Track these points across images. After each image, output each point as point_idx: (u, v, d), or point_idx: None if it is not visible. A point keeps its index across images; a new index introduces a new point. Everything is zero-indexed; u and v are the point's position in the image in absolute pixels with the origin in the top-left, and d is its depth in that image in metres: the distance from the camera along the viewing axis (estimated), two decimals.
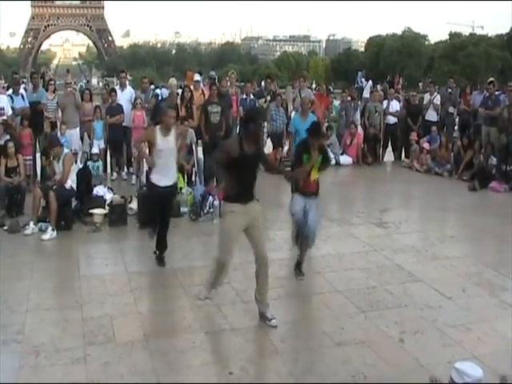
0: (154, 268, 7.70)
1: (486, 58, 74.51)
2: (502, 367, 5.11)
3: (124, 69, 18.78)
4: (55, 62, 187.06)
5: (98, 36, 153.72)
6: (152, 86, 16.25)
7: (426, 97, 15.59)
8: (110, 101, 12.86)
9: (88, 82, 60.81)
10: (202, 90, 13.51)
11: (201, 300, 6.38)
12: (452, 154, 13.97)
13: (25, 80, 22.63)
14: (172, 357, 5.36)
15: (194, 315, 6.21)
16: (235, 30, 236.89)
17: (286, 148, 13.91)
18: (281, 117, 14.06)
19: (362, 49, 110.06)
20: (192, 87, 13.29)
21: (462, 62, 74.23)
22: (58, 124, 12.58)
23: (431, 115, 15.15)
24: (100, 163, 12.42)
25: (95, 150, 12.36)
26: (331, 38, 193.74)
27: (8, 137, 10.60)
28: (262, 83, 17.04)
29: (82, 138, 12.75)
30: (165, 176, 7.56)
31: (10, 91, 12.95)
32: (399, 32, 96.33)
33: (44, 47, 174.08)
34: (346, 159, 14.98)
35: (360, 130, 15.48)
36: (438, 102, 15.13)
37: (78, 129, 12.60)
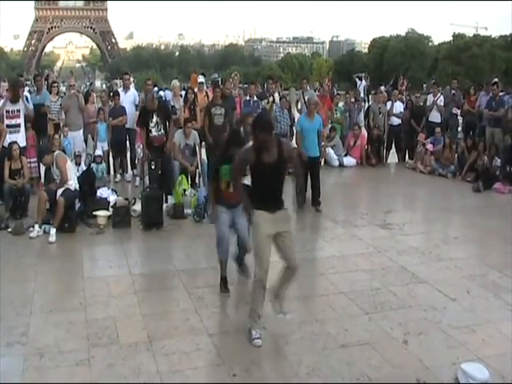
0: (158, 270, 7.70)
1: (490, 59, 74.34)
2: (506, 369, 5.09)
3: (127, 71, 18.83)
4: (59, 64, 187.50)
5: (102, 38, 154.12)
6: (155, 88, 16.27)
7: (430, 98, 15.57)
8: (113, 103, 12.87)
9: (91, 84, 60.88)
10: (206, 92, 13.53)
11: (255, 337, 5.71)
12: (456, 156, 13.94)
13: (28, 82, 22.65)
14: (176, 358, 5.35)
15: (197, 317, 6.21)
16: (238, 32, 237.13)
17: None
18: (285, 119, 14.04)
19: (366, 50, 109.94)
20: (196, 89, 13.31)
21: (465, 63, 74.07)
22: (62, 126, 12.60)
23: (435, 116, 15.13)
24: (104, 165, 12.45)
25: (99, 152, 12.39)
26: (334, 39, 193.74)
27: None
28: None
29: (85, 140, 12.77)
30: None
31: None
32: (403, 33, 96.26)
33: (47, 49, 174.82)
34: (349, 160, 14.97)
35: (364, 131, 15.48)
36: (442, 104, 15.12)
37: (81, 131, 12.62)
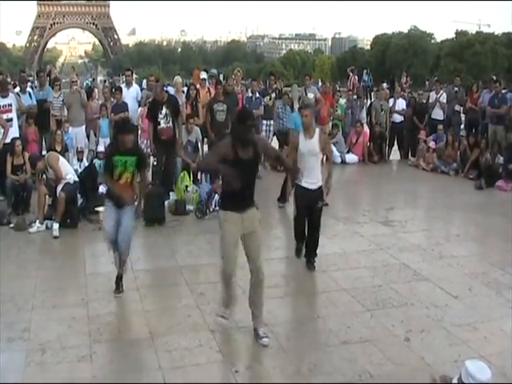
0: (160, 266, 7.72)
1: (493, 57, 74.16)
2: (508, 367, 5.10)
3: (129, 67, 18.81)
4: (61, 60, 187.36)
5: (104, 34, 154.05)
6: None
7: (432, 95, 15.54)
8: (116, 99, 12.86)
9: (94, 80, 60.75)
10: (209, 89, 13.51)
11: (219, 317, 5.83)
12: (458, 153, 13.92)
13: (31, 78, 22.65)
14: (178, 355, 5.36)
15: (199, 313, 6.21)
16: (241, 29, 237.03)
17: None
18: (287, 115, 14.05)
19: (368, 47, 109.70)
20: (198, 85, 13.30)
21: (468, 61, 73.90)
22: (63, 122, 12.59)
23: (437, 114, 15.11)
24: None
25: (101, 148, 12.36)
26: (337, 36, 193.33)
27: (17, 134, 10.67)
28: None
29: (88, 136, 12.76)
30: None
31: (17, 89, 12.97)
32: (405, 30, 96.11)
33: (50, 45, 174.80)
34: (351, 158, 14.96)
35: (366, 128, 15.46)
36: (445, 101, 15.10)
37: (83, 127, 12.61)
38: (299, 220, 7.66)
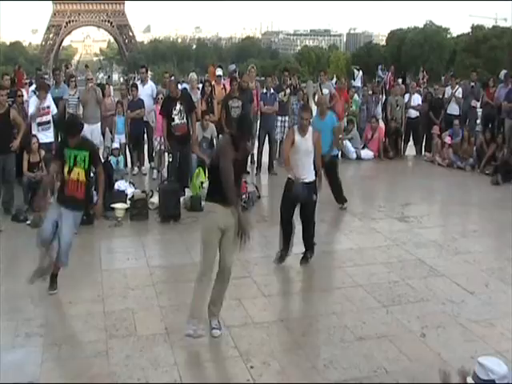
0: (175, 262, 7.74)
1: (510, 51, 73.61)
2: None
3: (144, 64, 18.84)
4: (76, 58, 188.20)
5: (119, 32, 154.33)
6: None
7: (448, 90, 15.45)
8: (132, 96, 12.90)
9: (109, 77, 61.05)
10: (224, 85, 13.52)
11: (189, 336, 5.53)
12: (474, 148, 13.83)
13: (46, 76, 22.76)
14: (193, 350, 5.38)
15: None
16: (255, 25, 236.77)
17: None
18: None
19: (383, 42, 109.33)
20: (213, 82, 13.33)
21: (484, 55, 73.47)
22: None
23: (453, 109, 15.01)
24: (121, 158, 12.47)
25: (116, 145, 12.42)
26: (352, 31, 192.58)
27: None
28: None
29: (103, 133, 12.81)
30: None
31: (33, 87, 13.05)
32: (421, 25, 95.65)
33: (65, 43, 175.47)
34: (367, 153, 14.91)
35: (381, 124, 15.40)
36: (460, 96, 15.00)
37: (99, 124, 12.65)
38: (286, 206, 7.55)
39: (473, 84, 15.47)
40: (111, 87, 14.88)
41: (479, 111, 15.42)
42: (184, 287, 6.92)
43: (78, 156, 6.44)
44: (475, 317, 6.08)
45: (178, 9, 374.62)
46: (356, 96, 15.99)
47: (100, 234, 8.89)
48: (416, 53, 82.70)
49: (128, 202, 9.70)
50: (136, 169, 13.04)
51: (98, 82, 24.66)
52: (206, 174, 10.81)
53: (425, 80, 21.07)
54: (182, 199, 9.99)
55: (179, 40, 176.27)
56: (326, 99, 12.72)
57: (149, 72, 16.27)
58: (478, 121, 15.47)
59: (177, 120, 10.61)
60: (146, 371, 5.01)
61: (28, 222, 9.26)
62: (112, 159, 11.83)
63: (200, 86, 13.70)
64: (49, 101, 11.29)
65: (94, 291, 6.72)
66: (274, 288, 6.83)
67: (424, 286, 6.89)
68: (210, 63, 26.15)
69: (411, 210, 10.30)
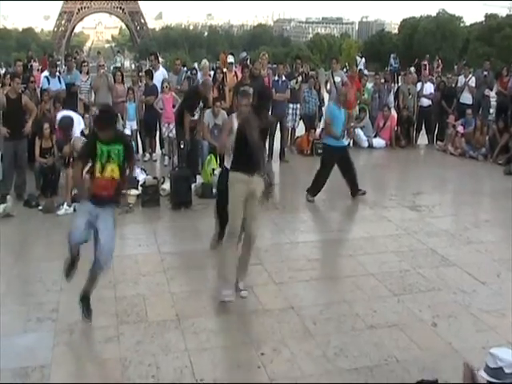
0: (187, 249, 7.74)
1: None
2: None
3: (156, 51, 18.83)
4: (88, 44, 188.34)
5: (131, 18, 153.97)
6: (184, 68, 16.24)
7: (461, 79, 15.35)
8: (145, 82, 12.90)
9: (121, 64, 61.06)
10: (235, 72, 13.49)
11: (229, 301, 5.95)
12: (487, 138, 13.75)
13: (58, 62, 22.82)
14: (204, 337, 5.39)
15: None
16: (267, 12, 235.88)
17: (318, 130, 13.87)
18: (313, 99, 14.02)
19: (396, 31, 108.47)
20: (225, 69, 13.31)
21: (498, 44, 72.70)
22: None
23: (466, 98, 14.93)
24: (133, 144, 12.46)
25: (127, 132, 12.41)
26: (364, 20, 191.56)
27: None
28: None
29: None
30: None
31: (46, 73, 13.06)
32: (433, 13, 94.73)
33: (77, 30, 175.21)
34: (379, 142, 14.86)
35: (393, 112, 15.33)
36: (473, 85, 14.90)
37: None
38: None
39: (486, 73, 15.37)
40: (123, 73, 14.87)
41: (492, 100, 15.31)
42: (195, 273, 6.96)
43: (112, 151, 5.61)
44: (486, 307, 6.06)
45: None
46: (368, 84, 15.93)
47: None
48: (428, 41, 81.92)
49: (139, 188, 9.71)
50: (147, 155, 13.05)
51: (118, 65, 24.81)
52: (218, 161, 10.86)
53: (439, 69, 20.95)
54: (193, 186, 9.99)
55: (191, 27, 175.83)
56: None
57: (160, 59, 16.26)
58: (491, 110, 15.38)
59: (196, 116, 10.82)
60: (157, 357, 5.02)
61: (40, 208, 9.30)
62: None
63: (212, 73, 13.67)
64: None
65: (105, 277, 6.70)
66: (285, 275, 6.82)
67: (435, 276, 6.86)
68: (221, 50, 26.07)
69: (423, 199, 10.26)
